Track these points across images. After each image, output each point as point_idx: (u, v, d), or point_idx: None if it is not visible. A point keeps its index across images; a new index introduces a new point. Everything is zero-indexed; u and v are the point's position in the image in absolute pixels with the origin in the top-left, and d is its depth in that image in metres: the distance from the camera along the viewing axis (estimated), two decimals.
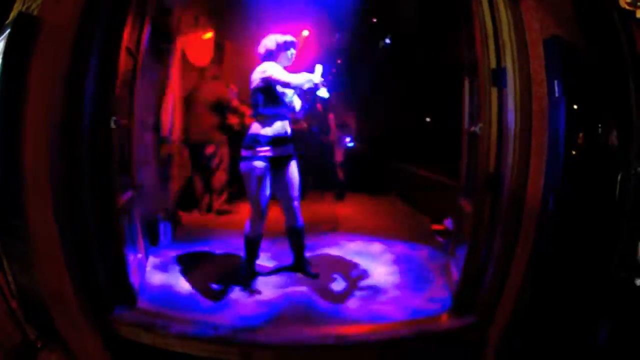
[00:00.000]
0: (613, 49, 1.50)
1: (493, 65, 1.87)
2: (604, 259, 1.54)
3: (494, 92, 1.88)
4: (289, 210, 2.35)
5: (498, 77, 1.85)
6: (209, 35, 3.62)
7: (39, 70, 1.65)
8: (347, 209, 4.23)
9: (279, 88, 2.18)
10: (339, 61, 5.86)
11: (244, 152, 2.21)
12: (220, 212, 3.56)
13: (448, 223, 3.11)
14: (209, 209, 3.54)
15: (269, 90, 2.17)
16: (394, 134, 5.32)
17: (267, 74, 2.14)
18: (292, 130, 2.33)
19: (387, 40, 5.54)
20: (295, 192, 2.33)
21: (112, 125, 1.83)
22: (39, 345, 1.95)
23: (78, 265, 1.81)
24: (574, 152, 1.59)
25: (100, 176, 1.84)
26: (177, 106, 3.00)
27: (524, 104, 1.75)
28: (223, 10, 3.71)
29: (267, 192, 2.20)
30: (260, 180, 2.16)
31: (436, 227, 3.24)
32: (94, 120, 1.79)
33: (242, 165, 2.20)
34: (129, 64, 2.04)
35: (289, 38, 2.28)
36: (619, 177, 1.50)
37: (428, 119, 5.94)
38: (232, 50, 4.16)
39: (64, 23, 1.68)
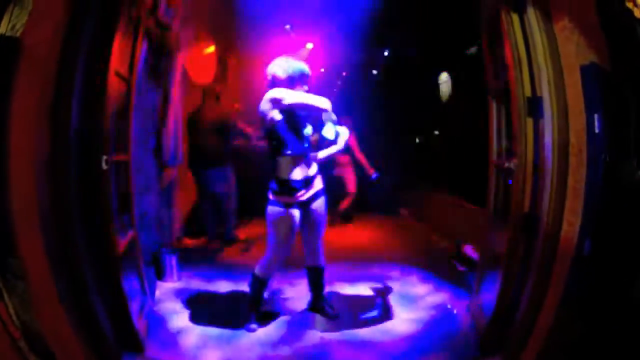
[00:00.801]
0: None
1: (528, 93, 1.74)
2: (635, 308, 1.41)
3: (530, 123, 1.74)
4: (313, 249, 2.18)
5: (534, 106, 1.72)
6: (211, 49, 3.48)
7: (22, 99, 1.49)
8: (362, 233, 4.09)
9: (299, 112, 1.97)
10: (344, 74, 5.74)
11: (272, 197, 2.01)
12: (230, 242, 3.39)
13: (468, 250, 2.98)
14: (217, 237, 3.38)
15: (290, 122, 1.94)
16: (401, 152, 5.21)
17: (284, 102, 1.89)
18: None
19: (386, 53, 5.38)
20: (322, 230, 2.16)
21: (104, 166, 1.67)
22: None
23: (77, 312, 1.70)
24: (613, 194, 1.46)
25: (93, 219, 1.71)
26: (179, 128, 2.85)
27: (561, 137, 1.62)
28: (225, 24, 3.56)
29: (294, 238, 2.04)
30: (291, 228, 1.98)
31: (455, 254, 3.10)
32: (82, 159, 1.63)
33: (271, 212, 1.99)
34: (122, 89, 1.86)
35: (304, 69, 2.01)
36: None
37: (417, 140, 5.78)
38: (237, 66, 4.01)
39: (45, 47, 1.51)
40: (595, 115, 1.48)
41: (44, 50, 1.51)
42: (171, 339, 2.04)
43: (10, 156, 1.50)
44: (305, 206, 2.05)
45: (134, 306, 1.92)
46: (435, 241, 3.73)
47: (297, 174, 1.98)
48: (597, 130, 1.49)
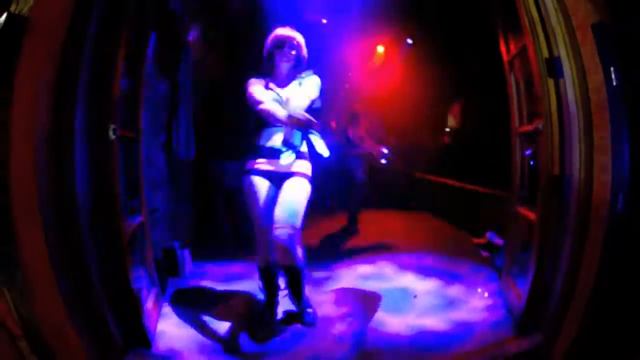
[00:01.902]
0: None
1: (546, 54, 1.76)
2: None
3: (551, 84, 1.75)
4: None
5: (553, 66, 1.73)
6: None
7: (25, 74, 1.46)
8: (379, 226, 4.05)
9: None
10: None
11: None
12: (244, 236, 3.32)
13: (491, 236, 2.93)
14: (232, 233, 3.34)
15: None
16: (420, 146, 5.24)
17: (253, 107, 1.92)
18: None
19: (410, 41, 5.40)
20: (284, 215, 1.84)
21: (111, 136, 1.60)
22: None
23: (79, 306, 1.61)
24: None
25: (100, 198, 1.63)
26: (191, 122, 2.87)
27: (583, 94, 1.63)
28: (233, 22, 3.67)
29: (265, 210, 1.91)
30: (252, 196, 1.92)
31: (477, 240, 3.06)
32: (88, 130, 1.57)
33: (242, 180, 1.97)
34: (135, 62, 1.86)
35: (278, 32, 1.97)
36: None
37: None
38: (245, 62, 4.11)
39: (52, 19, 1.51)
40: (612, 69, 1.50)
41: (53, 20, 1.51)
42: (181, 334, 1.95)
43: (12, 131, 1.44)
44: (273, 179, 1.95)
45: (143, 297, 1.85)
46: (455, 232, 3.69)
47: (263, 141, 1.96)
48: (614, 83, 1.50)
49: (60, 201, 1.54)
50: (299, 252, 1.89)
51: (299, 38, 2.00)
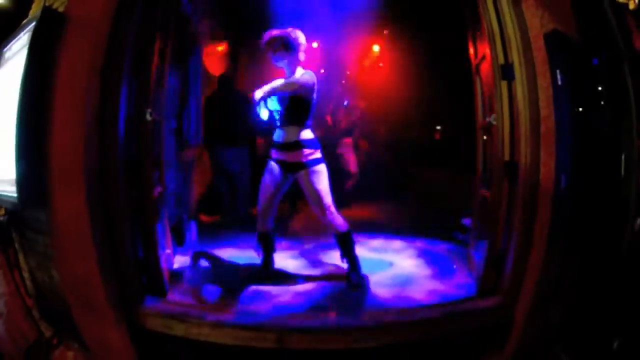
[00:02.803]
0: (608, 39, 1.76)
1: (501, 61, 2.13)
2: (616, 226, 1.74)
3: (504, 85, 2.12)
4: (322, 218, 2.38)
5: (506, 71, 2.11)
6: (222, 47, 3.95)
7: (69, 63, 1.80)
8: (366, 211, 4.43)
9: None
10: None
11: None
12: (243, 218, 3.64)
13: (466, 221, 3.30)
14: (231, 214, 3.68)
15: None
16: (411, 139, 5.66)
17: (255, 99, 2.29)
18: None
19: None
20: (318, 202, 2.32)
21: (148, 117, 1.99)
22: (54, 342, 2.06)
23: (109, 257, 1.92)
24: (579, 135, 1.82)
25: (135, 168, 2.00)
26: (199, 110, 3.25)
27: (531, 93, 1.99)
28: (238, 23, 4.04)
29: (265, 189, 2.37)
30: (267, 178, 2.36)
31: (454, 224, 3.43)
32: (130, 112, 1.95)
33: None
34: (161, 55, 2.21)
35: (265, 35, 2.31)
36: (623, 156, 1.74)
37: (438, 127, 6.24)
38: (247, 61, 4.50)
39: (95, 18, 1.85)
40: (558, 71, 1.88)
41: (96, 19, 1.85)
42: (190, 288, 2.31)
43: (55, 109, 1.76)
44: (283, 168, 2.36)
45: (160, 254, 2.16)
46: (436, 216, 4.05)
47: (275, 136, 2.39)
48: (559, 83, 1.87)
49: (104, 169, 1.88)
50: (338, 220, 2.36)
51: (286, 38, 2.27)
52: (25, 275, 2.23)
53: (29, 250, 2.16)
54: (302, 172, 2.31)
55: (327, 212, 2.33)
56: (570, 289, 1.92)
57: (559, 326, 1.93)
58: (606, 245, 1.80)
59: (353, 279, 2.38)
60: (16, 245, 2.22)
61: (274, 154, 2.39)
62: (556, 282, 1.92)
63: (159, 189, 2.28)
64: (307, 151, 2.30)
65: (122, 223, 1.96)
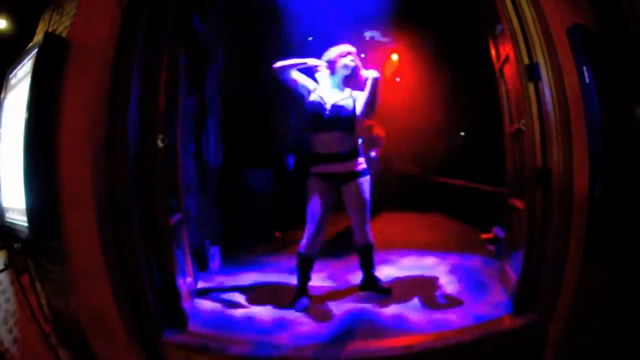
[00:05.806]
0: (628, 30, 1.69)
1: (526, 61, 2.07)
2: None
3: (531, 87, 2.06)
4: (358, 229, 2.42)
5: (532, 72, 2.05)
6: None
7: (74, 90, 1.77)
8: (397, 225, 4.37)
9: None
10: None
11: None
12: (268, 240, 3.65)
13: (497, 231, 3.20)
14: (255, 235, 3.68)
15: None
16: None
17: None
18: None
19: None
20: (361, 212, 2.37)
21: (160, 144, 1.95)
22: None
23: (125, 288, 1.89)
24: (611, 135, 1.73)
25: (148, 196, 1.97)
26: (218, 132, 3.31)
27: (559, 93, 1.93)
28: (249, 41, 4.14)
29: (319, 209, 2.30)
30: (315, 196, 2.30)
31: (485, 236, 3.33)
32: (139, 139, 1.91)
33: (307, 183, 2.37)
34: (171, 79, 2.15)
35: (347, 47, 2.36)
36: None
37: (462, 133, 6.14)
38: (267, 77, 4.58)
39: (99, 42, 1.81)
40: (584, 68, 1.79)
41: (99, 45, 1.82)
42: (213, 318, 2.25)
43: (62, 137, 1.73)
44: (334, 182, 2.34)
45: (179, 285, 2.13)
46: (465, 229, 3.96)
47: (321, 148, 2.33)
48: (587, 81, 1.79)
49: (114, 198, 1.86)
50: (371, 232, 2.46)
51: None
52: (43, 301, 2.24)
53: (45, 279, 2.14)
54: (354, 182, 2.32)
55: (368, 222, 2.42)
56: (607, 303, 1.80)
57: (595, 344, 1.80)
58: None
59: (380, 284, 2.54)
60: (32, 273, 2.22)
61: (321, 168, 2.33)
62: (593, 295, 1.82)
63: (177, 217, 2.28)
64: (360, 160, 2.36)
65: (137, 253, 1.94)
